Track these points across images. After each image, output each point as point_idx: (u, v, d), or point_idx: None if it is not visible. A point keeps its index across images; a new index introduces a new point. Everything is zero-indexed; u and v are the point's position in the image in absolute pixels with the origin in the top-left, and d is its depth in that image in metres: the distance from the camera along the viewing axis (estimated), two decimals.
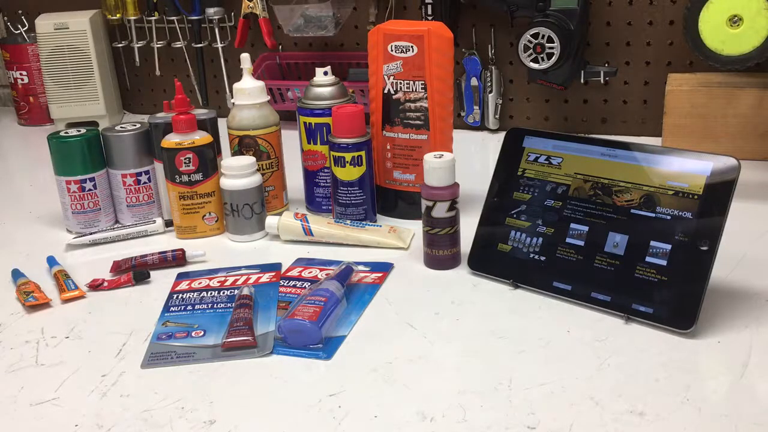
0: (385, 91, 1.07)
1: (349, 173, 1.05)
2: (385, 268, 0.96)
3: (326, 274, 0.92)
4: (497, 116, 1.49)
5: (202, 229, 1.09)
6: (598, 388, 0.70)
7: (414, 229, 1.05)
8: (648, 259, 0.81)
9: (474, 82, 1.48)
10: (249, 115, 1.10)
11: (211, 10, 1.61)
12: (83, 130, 1.11)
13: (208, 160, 1.07)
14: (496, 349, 0.78)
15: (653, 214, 0.82)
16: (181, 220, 1.08)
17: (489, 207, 0.94)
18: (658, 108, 1.36)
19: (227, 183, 1.05)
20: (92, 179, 1.10)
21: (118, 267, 0.99)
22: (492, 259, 0.92)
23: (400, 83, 1.06)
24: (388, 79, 1.06)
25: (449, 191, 0.93)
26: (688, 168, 0.82)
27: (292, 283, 0.93)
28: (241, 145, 1.10)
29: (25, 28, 1.72)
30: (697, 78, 1.29)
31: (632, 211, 0.84)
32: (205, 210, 1.08)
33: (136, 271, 0.97)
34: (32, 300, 0.91)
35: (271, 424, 0.68)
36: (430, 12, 1.40)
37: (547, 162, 0.91)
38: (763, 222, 1.03)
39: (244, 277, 0.95)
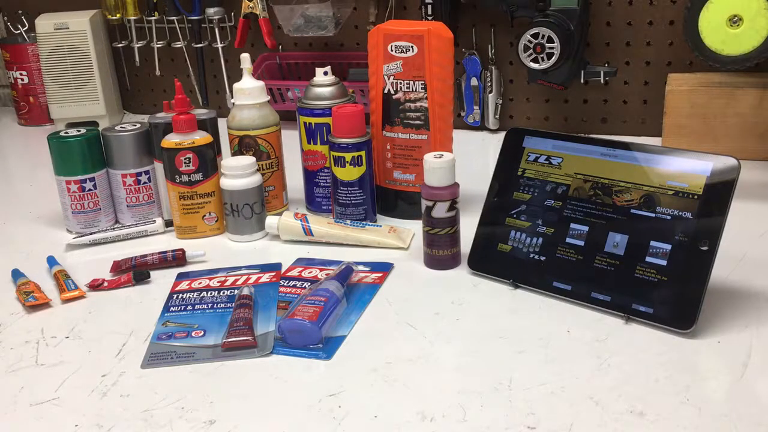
0: (385, 91, 1.07)
1: (349, 173, 1.05)
2: (385, 268, 0.96)
3: (326, 274, 0.92)
4: (497, 116, 1.49)
5: (202, 229, 1.09)
6: (598, 388, 0.70)
7: (414, 229, 1.05)
8: (648, 259, 0.81)
9: (474, 82, 1.48)
10: (249, 115, 1.10)
11: (211, 10, 1.61)
12: (83, 130, 1.11)
13: (208, 160, 1.07)
14: (496, 349, 0.78)
15: (653, 214, 0.82)
16: (181, 220, 1.08)
17: (489, 207, 0.94)
18: (658, 108, 1.36)
19: (227, 183, 1.05)
20: (92, 179, 1.10)
21: (118, 267, 0.99)
22: (492, 259, 0.92)
23: (400, 83, 1.06)
24: (388, 79, 1.06)
25: (449, 191, 0.93)
26: (688, 168, 0.82)
27: (292, 283, 0.93)
28: (241, 145, 1.10)
29: (25, 28, 1.72)
30: (697, 78, 1.29)
31: (632, 211, 0.84)
32: (205, 210, 1.08)
33: (136, 271, 0.97)
34: (32, 300, 0.91)
35: (271, 424, 0.68)
36: (430, 12, 1.40)
37: (547, 162, 0.91)
38: (763, 222, 1.03)
39: (244, 277, 0.95)
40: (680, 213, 0.81)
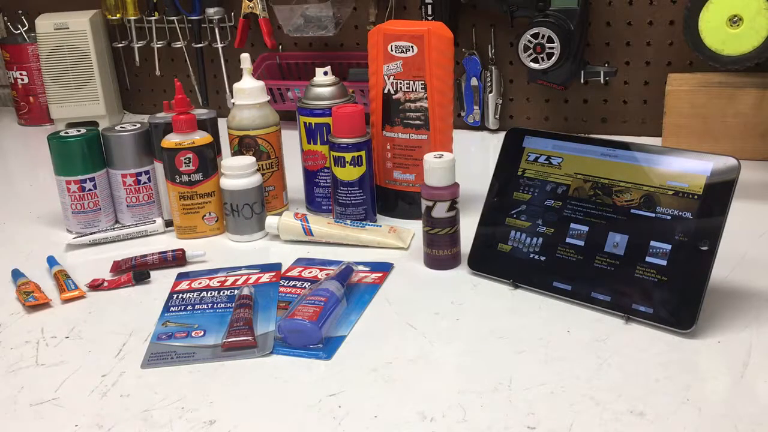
0: (385, 91, 1.07)
1: (349, 173, 1.05)
2: (385, 268, 0.96)
3: (326, 274, 0.92)
4: (497, 116, 1.49)
5: (202, 229, 1.09)
6: (598, 388, 0.70)
7: (414, 229, 1.05)
8: (648, 259, 0.81)
9: (474, 82, 1.48)
10: (249, 115, 1.10)
11: (211, 10, 1.61)
12: (83, 130, 1.11)
13: (208, 160, 1.07)
14: (496, 349, 0.78)
15: (653, 214, 0.82)
16: (181, 220, 1.08)
17: (489, 207, 0.94)
18: (658, 108, 1.36)
19: (227, 183, 1.05)
20: (92, 179, 1.10)
21: (118, 267, 0.99)
22: (492, 259, 0.92)
23: (400, 83, 1.06)
24: (388, 79, 1.06)
25: (449, 191, 0.93)
26: (688, 168, 0.82)
27: (292, 283, 0.93)
28: (241, 145, 1.10)
29: (25, 28, 1.72)
30: (697, 78, 1.29)
31: (632, 211, 0.84)
32: (205, 210, 1.08)
33: (136, 271, 0.97)
34: (32, 300, 0.91)
35: (271, 424, 0.68)
36: (430, 12, 1.40)
37: (547, 162, 0.91)
38: (763, 222, 1.03)
39: (244, 277, 0.95)
40: (680, 213, 0.81)
